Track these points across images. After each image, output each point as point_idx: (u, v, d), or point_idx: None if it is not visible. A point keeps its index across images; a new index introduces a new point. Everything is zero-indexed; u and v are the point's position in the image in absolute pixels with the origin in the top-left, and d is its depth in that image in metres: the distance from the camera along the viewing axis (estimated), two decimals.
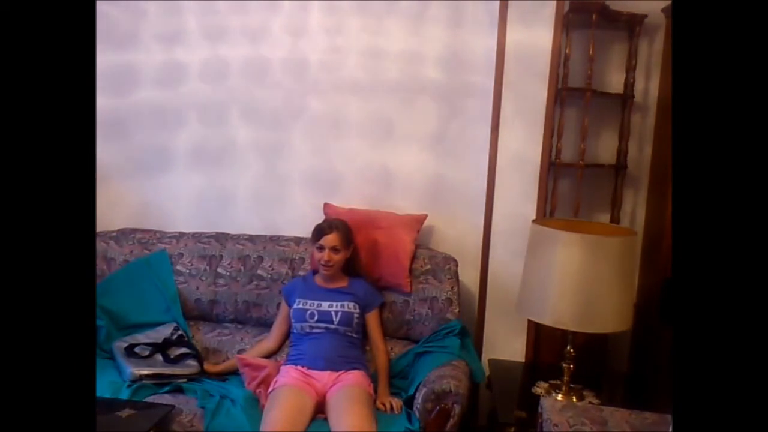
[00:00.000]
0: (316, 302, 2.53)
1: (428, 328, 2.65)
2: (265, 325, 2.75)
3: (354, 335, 2.53)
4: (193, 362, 2.53)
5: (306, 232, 2.69)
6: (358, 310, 2.54)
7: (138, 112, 3.04)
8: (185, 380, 2.44)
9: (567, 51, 2.66)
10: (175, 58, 2.98)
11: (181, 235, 2.91)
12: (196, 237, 2.89)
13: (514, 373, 2.75)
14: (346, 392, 2.31)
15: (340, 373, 2.40)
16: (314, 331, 2.50)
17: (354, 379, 2.39)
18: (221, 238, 2.88)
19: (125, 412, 2.14)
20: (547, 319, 2.31)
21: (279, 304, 2.69)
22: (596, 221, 2.80)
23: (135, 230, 2.96)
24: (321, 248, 2.51)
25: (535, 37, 2.70)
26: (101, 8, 2.89)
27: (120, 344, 2.58)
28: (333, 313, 2.50)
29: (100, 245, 2.85)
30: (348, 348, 2.50)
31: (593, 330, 2.30)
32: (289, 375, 2.38)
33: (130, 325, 2.72)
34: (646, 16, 2.67)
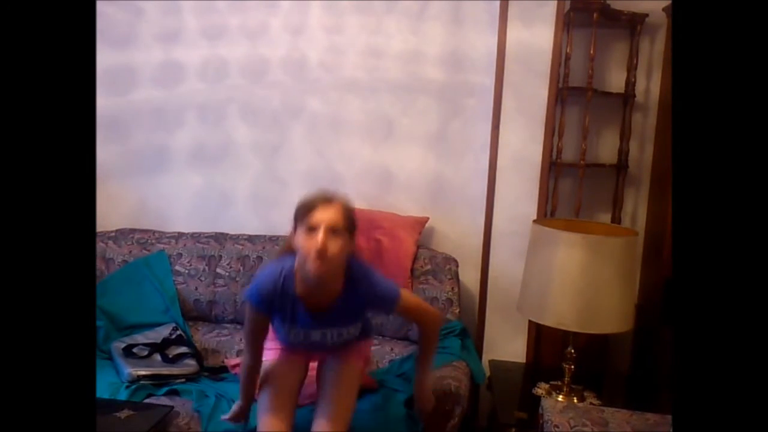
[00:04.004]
0: (302, 331, 1.92)
1: None
2: None
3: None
4: (191, 361, 2.52)
5: None
6: (364, 328, 2.06)
7: (137, 112, 3.03)
8: (183, 380, 2.44)
9: (568, 50, 2.65)
10: (173, 57, 2.97)
11: (180, 235, 2.90)
12: (195, 237, 2.88)
13: (514, 374, 2.74)
14: (335, 374, 1.99)
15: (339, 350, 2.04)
16: (305, 347, 2.03)
17: (349, 351, 2.02)
18: (220, 238, 2.87)
19: (124, 413, 2.13)
20: (548, 320, 2.30)
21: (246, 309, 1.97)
22: (597, 221, 2.79)
23: (133, 230, 2.95)
24: (312, 229, 1.73)
25: (535, 36, 2.70)
26: (99, 7, 2.89)
27: (118, 344, 2.58)
28: (329, 337, 1.95)
29: (98, 245, 2.84)
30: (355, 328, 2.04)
31: (594, 331, 2.29)
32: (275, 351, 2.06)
33: (129, 326, 2.71)
34: (647, 15, 2.66)
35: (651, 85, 2.79)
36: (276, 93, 2.94)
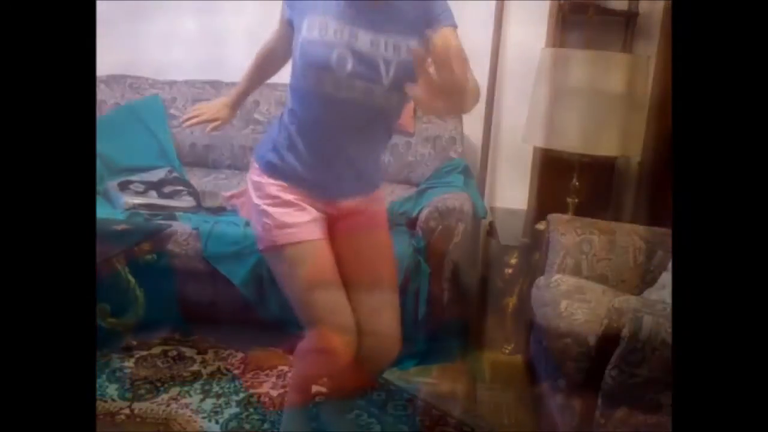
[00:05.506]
0: (349, 29, 1.28)
1: (430, 169, 2.61)
2: None
3: (404, 104, 1.41)
4: (188, 198, 2.42)
5: None
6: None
7: None
8: (181, 213, 2.31)
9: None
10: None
11: (174, 82, 2.84)
12: (190, 84, 2.82)
13: (516, 218, 2.66)
14: (370, 245, 1.47)
15: (356, 200, 1.46)
16: (341, 95, 1.31)
17: (372, 214, 1.49)
18: (216, 84, 2.81)
19: (120, 226, 2.02)
20: (553, 143, 2.22)
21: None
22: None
23: (125, 76, 2.87)
24: None
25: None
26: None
27: (113, 183, 2.44)
28: (383, 61, 1.29)
29: None
30: (383, 138, 1.46)
31: (600, 152, 2.23)
32: (277, 212, 1.42)
33: (123, 169, 2.59)
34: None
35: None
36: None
